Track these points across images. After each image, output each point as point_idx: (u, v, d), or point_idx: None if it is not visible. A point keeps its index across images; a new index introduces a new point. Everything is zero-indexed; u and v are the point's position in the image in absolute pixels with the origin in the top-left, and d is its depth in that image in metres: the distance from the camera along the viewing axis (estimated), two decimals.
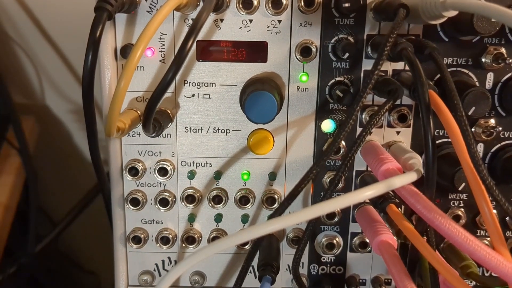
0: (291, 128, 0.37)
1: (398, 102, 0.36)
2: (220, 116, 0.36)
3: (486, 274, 0.39)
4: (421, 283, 0.31)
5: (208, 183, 0.38)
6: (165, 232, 0.39)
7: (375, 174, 0.33)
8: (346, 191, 0.38)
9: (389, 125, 0.36)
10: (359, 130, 0.36)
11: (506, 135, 0.36)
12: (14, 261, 0.63)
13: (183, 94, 0.36)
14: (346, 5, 0.33)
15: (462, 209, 0.38)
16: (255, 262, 0.36)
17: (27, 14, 0.65)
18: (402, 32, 0.34)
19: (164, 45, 0.35)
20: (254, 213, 0.39)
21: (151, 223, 0.39)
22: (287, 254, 0.39)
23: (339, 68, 0.35)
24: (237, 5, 0.34)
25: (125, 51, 0.35)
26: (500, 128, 0.36)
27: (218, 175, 0.38)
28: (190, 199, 0.38)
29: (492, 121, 0.36)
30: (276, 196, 0.38)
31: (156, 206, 0.38)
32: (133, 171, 0.37)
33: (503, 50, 0.34)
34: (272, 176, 0.38)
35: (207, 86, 0.36)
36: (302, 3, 0.33)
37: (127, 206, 0.38)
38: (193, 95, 0.36)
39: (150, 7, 0.34)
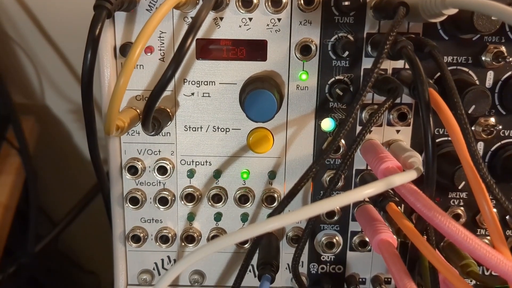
0: (291, 127, 0.37)
1: (398, 100, 0.36)
2: (219, 115, 0.36)
3: (487, 273, 0.39)
4: (421, 282, 0.31)
5: (208, 182, 0.38)
6: (165, 231, 0.39)
7: (374, 173, 0.33)
8: (346, 190, 0.37)
9: (389, 124, 0.36)
10: (359, 128, 0.36)
11: (506, 134, 0.36)
12: (14, 261, 0.63)
13: (183, 93, 0.36)
14: (346, 3, 0.33)
15: (462, 208, 0.38)
16: (254, 261, 0.36)
17: (27, 14, 0.65)
18: (402, 31, 0.34)
19: (163, 43, 0.35)
20: (254, 212, 0.38)
21: (150, 222, 0.39)
22: (286, 253, 0.39)
23: (339, 66, 0.35)
24: (237, 4, 0.34)
25: (125, 50, 0.35)
26: (500, 127, 0.36)
27: (217, 174, 0.38)
28: (189, 198, 0.38)
29: (492, 120, 0.35)
30: (275, 195, 0.37)
31: (156, 205, 0.38)
32: (133, 170, 0.37)
33: (503, 48, 0.34)
34: (272, 174, 0.37)
35: (207, 84, 0.36)
36: (302, 2, 0.33)
37: (127, 205, 0.38)
38: (192, 94, 0.36)
39: (149, 5, 0.34)
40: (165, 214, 0.39)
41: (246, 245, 0.39)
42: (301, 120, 0.36)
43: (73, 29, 0.63)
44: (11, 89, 0.63)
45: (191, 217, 0.39)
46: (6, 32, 0.66)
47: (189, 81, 0.36)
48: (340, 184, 0.37)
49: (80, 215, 0.70)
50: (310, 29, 0.34)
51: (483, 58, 0.34)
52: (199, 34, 0.35)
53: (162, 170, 0.37)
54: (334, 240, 0.38)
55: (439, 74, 0.35)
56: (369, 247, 0.39)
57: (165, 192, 0.37)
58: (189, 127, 0.37)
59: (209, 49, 0.35)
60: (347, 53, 0.34)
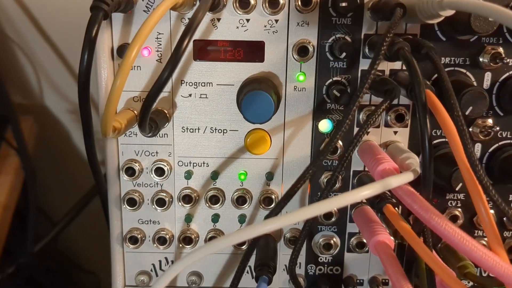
0: (288, 128, 0.37)
1: (395, 102, 0.36)
2: (217, 116, 0.36)
3: (484, 275, 0.39)
4: (418, 284, 0.31)
5: (205, 183, 0.38)
6: (162, 232, 0.39)
7: (372, 174, 0.33)
8: (344, 191, 0.37)
9: (387, 125, 0.36)
10: (356, 130, 0.36)
11: (504, 135, 0.36)
12: (13, 261, 0.63)
13: (180, 94, 0.36)
14: (343, 4, 0.33)
15: (459, 209, 0.38)
16: (252, 262, 0.36)
17: (25, 14, 0.65)
18: (399, 32, 0.34)
19: (160, 44, 0.35)
20: (251, 213, 0.38)
21: (148, 223, 0.39)
22: (284, 254, 0.39)
23: (336, 67, 0.35)
24: (234, 5, 0.34)
25: (122, 51, 0.35)
26: (498, 128, 0.36)
27: (215, 175, 0.38)
28: (187, 199, 0.38)
29: (490, 121, 0.35)
30: (273, 196, 0.37)
31: (153, 206, 0.38)
32: (130, 171, 0.37)
33: (500, 49, 0.34)
34: (269, 176, 0.37)
35: (204, 85, 0.36)
36: (299, 3, 0.33)
37: (124, 206, 0.38)
38: (190, 95, 0.36)
39: (146, 7, 0.34)
40: (162, 215, 0.39)
41: (243, 247, 0.39)
42: (299, 121, 0.36)
43: (72, 29, 0.63)
44: (10, 89, 0.63)
45: (188, 218, 0.38)
46: (5, 32, 0.66)
47: (186, 82, 0.36)
48: (337, 185, 0.37)
49: (80, 215, 0.70)
50: (308, 30, 0.34)
51: (481, 59, 0.34)
52: (197, 35, 0.35)
53: (160, 172, 0.37)
54: (332, 242, 0.38)
55: (436, 75, 0.34)
56: (367, 249, 0.39)
57: (162, 194, 0.37)
58: (187, 128, 0.37)
59: (206, 50, 0.35)
60: (344, 54, 0.34)
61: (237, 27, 0.34)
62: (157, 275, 0.40)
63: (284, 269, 0.40)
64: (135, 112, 0.35)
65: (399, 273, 0.28)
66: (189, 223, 0.39)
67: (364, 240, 0.38)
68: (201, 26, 0.34)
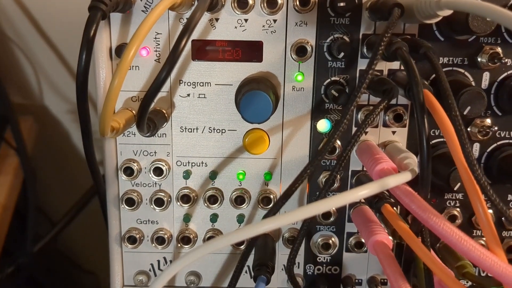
0: (287, 128, 0.37)
1: (394, 101, 0.36)
2: (215, 116, 0.36)
3: (483, 274, 0.39)
4: (417, 283, 0.31)
5: (204, 183, 0.38)
6: (161, 232, 0.39)
7: (370, 174, 0.33)
8: (342, 191, 0.37)
9: (385, 125, 0.36)
10: (355, 129, 0.36)
11: (502, 135, 0.36)
12: (13, 261, 0.63)
13: (178, 94, 0.36)
14: (342, 4, 0.33)
15: (458, 209, 0.38)
16: (251, 262, 0.36)
17: (25, 14, 0.65)
18: (397, 32, 0.34)
19: (159, 44, 0.35)
20: (250, 213, 0.38)
21: (146, 223, 0.39)
22: (282, 254, 0.39)
23: (334, 67, 0.35)
24: (232, 5, 0.34)
25: (120, 51, 0.35)
26: (496, 128, 0.36)
27: (213, 175, 0.38)
28: (185, 199, 0.38)
29: (488, 121, 0.35)
30: (271, 196, 0.37)
31: (152, 206, 0.38)
32: (128, 171, 0.37)
33: (499, 49, 0.34)
34: (268, 176, 0.37)
35: (203, 85, 0.36)
36: (298, 3, 0.33)
37: (122, 206, 0.38)
38: (188, 95, 0.36)
39: (145, 7, 0.34)
40: (161, 215, 0.39)
41: (242, 246, 0.39)
42: (297, 121, 0.36)
43: (71, 29, 0.63)
44: (9, 89, 0.63)
45: (187, 218, 0.38)
46: (4, 33, 0.66)
47: (185, 82, 0.36)
48: (336, 185, 0.37)
49: (79, 214, 0.70)
50: (306, 30, 0.34)
51: (479, 59, 0.34)
52: (195, 35, 0.35)
53: (158, 171, 0.37)
54: (330, 241, 0.38)
55: (434, 75, 0.34)
56: (365, 248, 0.39)
57: (161, 193, 0.37)
58: (185, 128, 0.37)
59: (205, 50, 0.35)
60: (342, 54, 0.34)
61: (236, 27, 0.34)
62: (155, 275, 0.40)
63: (282, 269, 0.40)
64: (134, 112, 0.35)
65: (397, 273, 0.28)
66: (187, 223, 0.39)
67: (363, 240, 0.38)
68: (200, 26, 0.34)
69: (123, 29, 0.35)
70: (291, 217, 0.27)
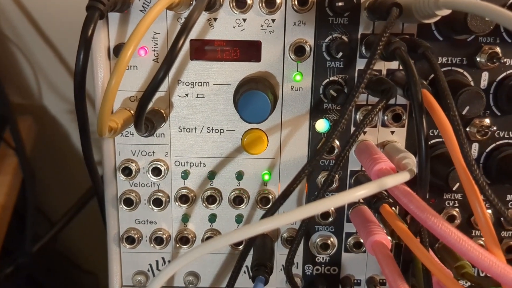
0: (285, 128, 0.36)
1: (392, 101, 0.36)
2: (214, 116, 0.36)
3: (482, 275, 0.39)
4: (415, 283, 0.30)
5: (202, 183, 0.38)
6: (159, 232, 0.38)
7: (368, 174, 0.32)
8: (341, 191, 0.37)
9: (384, 125, 0.36)
10: (353, 129, 0.36)
11: (501, 135, 0.36)
12: (12, 261, 0.63)
13: (177, 94, 0.36)
14: (340, 4, 0.33)
15: (457, 209, 0.37)
16: (249, 263, 0.36)
17: (24, 14, 0.65)
18: (396, 31, 0.34)
19: (157, 44, 0.35)
20: (248, 213, 0.38)
21: (144, 223, 0.39)
22: (281, 254, 0.39)
23: (333, 67, 0.35)
24: (231, 4, 0.34)
25: (118, 50, 0.35)
26: (495, 128, 0.35)
27: (212, 175, 0.37)
28: (184, 199, 0.38)
29: (487, 121, 0.35)
30: (270, 196, 0.37)
31: (150, 206, 0.38)
32: (127, 171, 0.37)
33: (498, 49, 0.34)
34: (266, 176, 0.37)
35: (201, 85, 0.36)
36: (296, 2, 0.33)
37: (121, 206, 0.38)
38: (186, 95, 0.36)
39: (143, 6, 0.34)
40: (159, 215, 0.38)
41: (240, 247, 0.39)
42: (296, 121, 0.36)
43: (70, 29, 0.63)
44: (8, 89, 0.63)
45: (185, 218, 0.38)
46: (3, 33, 0.66)
47: (183, 82, 0.36)
48: (335, 185, 0.37)
49: (78, 214, 0.70)
50: (304, 30, 0.34)
51: (478, 59, 0.34)
52: (193, 35, 0.34)
53: (156, 171, 0.37)
54: (329, 242, 0.38)
55: (433, 75, 0.34)
56: (364, 249, 0.38)
57: (159, 194, 0.37)
58: (183, 128, 0.37)
59: (203, 50, 0.35)
60: (341, 54, 0.34)
61: (234, 27, 0.34)
62: (154, 275, 0.40)
63: (281, 269, 0.40)
64: (132, 112, 0.35)
65: (396, 273, 0.28)
66: (186, 223, 0.39)
67: (361, 240, 0.38)
68: (198, 26, 0.34)
69: (121, 29, 0.34)
70: (289, 217, 0.27)
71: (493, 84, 0.35)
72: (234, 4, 0.33)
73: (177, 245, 0.39)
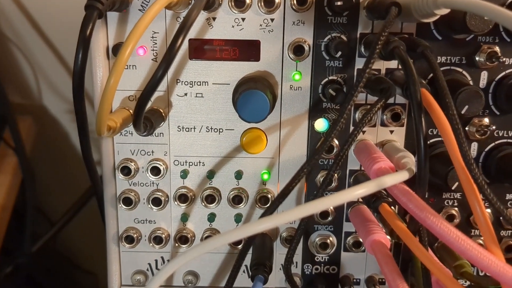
0: (284, 127, 0.36)
1: (391, 101, 0.36)
2: (213, 115, 0.36)
3: (481, 274, 0.39)
4: (414, 283, 0.30)
5: (201, 182, 0.38)
6: (158, 231, 0.38)
7: (367, 173, 0.32)
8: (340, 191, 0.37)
9: (383, 124, 0.36)
10: (352, 129, 0.36)
11: (500, 134, 0.36)
12: (12, 261, 0.63)
13: (176, 93, 0.36)
14: (339, 3, 0.33)
15: (456, 209, 0.37)
16: (248, 262, 0.36)
17: (24, 14, 0.65)
18: (395, 31, 0.34)
19: (156, 43, 0.35)
20: (248, 213, 0.38)
21: (144, 222, 0.39)
22: (280, 253, 0.39)
23: (332, 67, 0.35)
24: (230, 4, 0.34)
25: (117, 50, 0.35)
26: (494, 127, 0.35)
27: (211, 175, 0.37)
28: (183, 198, 0.38)
29: (486, 120, 0.35)
30: (269, 196, 0.37)
31: (149, 206, 0.38)
32: (126, 171, 0.37)
33: (497, 48, 0.34)
34: (265, 175, 0.37)
35: (200, 85, 0.36)
36: (295, 2, 0.33)
37: (120, 205, 0.38)
38: (185, 94, 0.36)
39: (142, 6, 0.34)
40: (158, 214, 0.38)
41: (239, 246, 0.39)
42: (295, 121, 0.36)
43: (70, 29, 0.63)
44: (8, 89, 0.63)
45: (184, 217, 0.38)
46: (3, 32, 0.66)
47: (182, 82, 0.36)
48: (334, 184, 0.37)
49: (78, 214, 0.70)
50: (303, 29, 0.34)
51: (477, 58, 0.34)
52: (192, 34, 0.34)
53: (156, 171, 0.37)
54: (328, 241, 0.38)
55: (432, 74, 0.34)
56: (363, 248, 0.38)
57: (158, 193, 0.37)
58: (182, 128, 0.37)
59: (202, 49, 0.35)
60: (340, 53, 0.34)
61: (233, 26, 0.34)
62: (153, 275, 0.40)
63: (280, 269, 0.40)
64: (131, 111, 0.35)
65: (395, 272, 0.28)
66: (185, 223, 0.39)
67: (361, 239, 0.38)
68: (197, 25, 0.34)
69: (120, 28, 0.34)
70: (288, 216, 0.27)
71: (492, 84, 0.35)
72: (233, 4, 0.33)
73: (176, 244, 0.39)
